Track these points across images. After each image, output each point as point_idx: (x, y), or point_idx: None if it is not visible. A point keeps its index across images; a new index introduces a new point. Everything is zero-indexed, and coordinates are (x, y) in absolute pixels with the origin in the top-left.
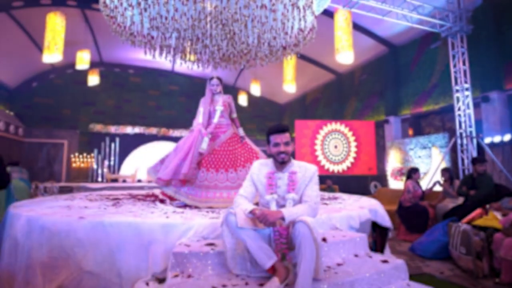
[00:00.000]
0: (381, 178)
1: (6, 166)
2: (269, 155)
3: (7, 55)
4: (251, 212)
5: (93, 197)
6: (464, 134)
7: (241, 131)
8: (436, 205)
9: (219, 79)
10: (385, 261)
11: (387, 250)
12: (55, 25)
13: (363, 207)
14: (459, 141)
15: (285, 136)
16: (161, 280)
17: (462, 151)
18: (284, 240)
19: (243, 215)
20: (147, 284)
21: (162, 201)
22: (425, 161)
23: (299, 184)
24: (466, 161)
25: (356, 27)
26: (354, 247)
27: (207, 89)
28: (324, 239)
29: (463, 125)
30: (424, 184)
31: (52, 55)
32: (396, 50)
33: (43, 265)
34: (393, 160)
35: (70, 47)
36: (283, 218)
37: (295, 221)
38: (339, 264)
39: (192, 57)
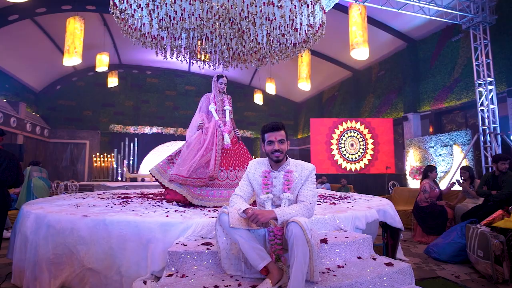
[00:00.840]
0: (400, 177)
1: (21, 168)
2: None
3: (33, 60)
4: (244, 211)
5: (105, 196)
6: (487, 131)
7: (238, 132)
8: (455, 206)
9: (226, 78)
10: (389, 264)
11: (400, 252)
12: (74, 29)
13: (371, 207)
14: (482, 138)
15: (280, 134)
16: (159, 279)
17: (485, 149)
18: (279, 241)
19: (236, 214)
20: (145, 282)
21: (169, 201)
22: (446, 159)
23: (295, 184)
24: (490, 159)
25: (373, 22)
26: (358, 249)
27: (215, 87)
28: (324, 240)
29: (486, 121)
30: (446, 183)
31: (72, 58)
32: (415, 44)
33: (48, 261)
34: (412, 159)
35: (90, 50)
36: (275, 219)
37: (288, 221)
38: (339, 267)
39: (204, 57)
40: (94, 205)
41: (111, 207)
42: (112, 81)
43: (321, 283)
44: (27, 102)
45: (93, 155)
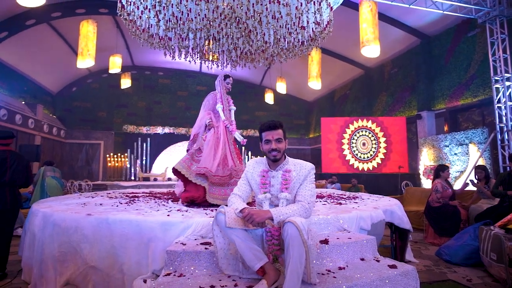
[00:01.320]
0: (413, 177)
1: (30, 169)
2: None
3: (50, 63)
4: (241, 211)
5: (113, 195)
6: (505, 129)
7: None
8: (469, 206)
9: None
10: (393, 266)
11: (409, 253)
12: (88, 32)
13: (377, 208)
14: (499, 136)
15: (277, 133)
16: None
17: (503, 147)
18: (276, 241)
19: (233, 214)
20: (145, 281)
21: (175, 200)
22: (462, 158)
23: (293, 183)
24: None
25: (384, 18)
26: (360, 250)
27: (221, 86)
28: (325, 241)
29: (504, 118)
30: (461, 183)
31: (85, 60)
32: (429, 40)
33: (54, 259)
34: (426, 158)
35: (104, 52)
36: (271, 219)
37: (284, 221)
38: (340, 268)
39: (212, 57)
40: (100, 204)
41: (117, 206)
42: (125, 83)
43: (319, 284)
44: (44, 104)
45: (107, 155)
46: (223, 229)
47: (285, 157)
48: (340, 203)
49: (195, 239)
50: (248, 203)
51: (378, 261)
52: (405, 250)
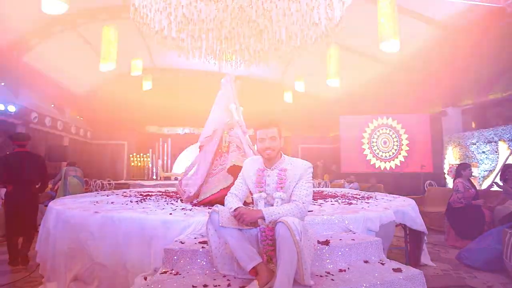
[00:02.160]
0: (438, 177)
1: (46, 169)
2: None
3: (77, 67)
4: (234, 210)
5: (127, 194)
6: None
7: None
8: (495, 207)
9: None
10: (397, 270)
11: (426, 256)
12: (109, 36)
13: (388, 208)
14: None
15: (271, 131)
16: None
17: None
18: (270, 242)
19: (227, 213)
20: (145, 278)
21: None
22: (490, 157)
23: (288, 182)
24: None
25: (406, 11)
26: (365, 252)
27: (231, 87)
28: (326, 242)
29: None
30: (489, 183)
31: (107, 64)
32: (454, 32)
33: (64, 254)
34: (451, 157)
35: (127, 55)
36: (263, 218)
37: (276, 221)
38: (341, 270)
39: (226, 57)
40: (112, 203)
41: (126, 204)
42: (147, 84)
43: (314, 286)
44: (72, 107)
45: (131, 155)
46: (217, 228)
47: (281, 155)
48: (350, 203)
49: (195, 238)
50: (249, 203)
51: (383, 264)
52: (420, 252)
